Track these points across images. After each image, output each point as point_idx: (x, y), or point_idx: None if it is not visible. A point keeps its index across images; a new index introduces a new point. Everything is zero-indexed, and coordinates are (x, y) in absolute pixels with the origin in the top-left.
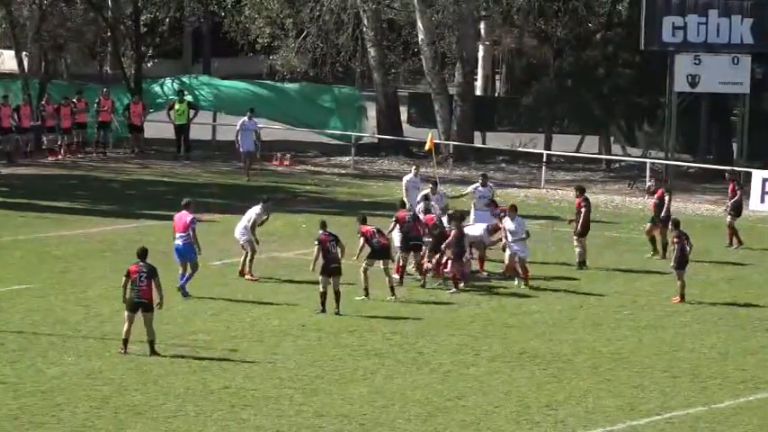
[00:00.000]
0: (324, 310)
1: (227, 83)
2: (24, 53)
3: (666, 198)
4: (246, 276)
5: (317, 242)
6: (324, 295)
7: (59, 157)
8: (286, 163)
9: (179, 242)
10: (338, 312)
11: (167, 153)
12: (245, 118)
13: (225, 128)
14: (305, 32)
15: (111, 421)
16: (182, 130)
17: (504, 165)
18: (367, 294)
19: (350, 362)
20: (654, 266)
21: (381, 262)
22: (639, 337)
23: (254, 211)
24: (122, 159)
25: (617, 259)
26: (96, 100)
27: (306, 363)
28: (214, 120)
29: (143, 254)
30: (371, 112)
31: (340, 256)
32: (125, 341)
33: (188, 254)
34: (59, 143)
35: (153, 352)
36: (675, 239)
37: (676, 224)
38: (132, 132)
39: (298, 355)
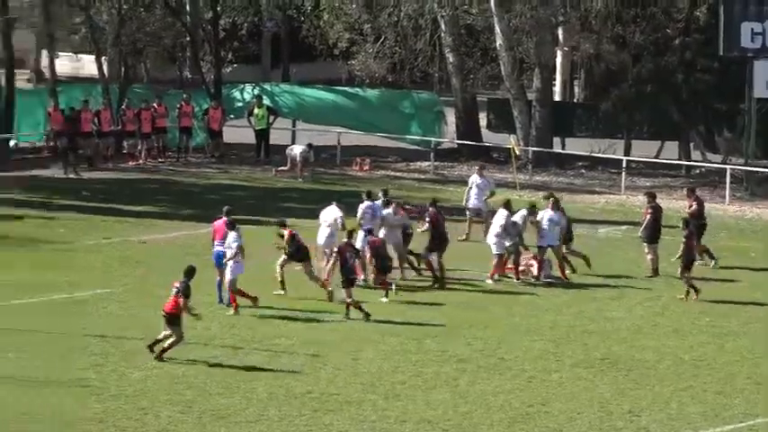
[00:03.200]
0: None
1: (308, 90)
2: (104, 58)
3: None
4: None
5: (336, 250)
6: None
7: (140, 161)
8: (366, 168)
9: (220, 249)
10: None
11: (247, 158)
12: None
13: (305, 134)
14: (383, 37)
15: (194, 425)
16: (262, 134)
17: (583, 171)
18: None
19: (432, 367)
20: (731, 275)
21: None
22: (721, 343)
23: (336, 213)
24: (202, 164)
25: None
26: (177, 105)
27: (388, 368)
28: (293, 124)
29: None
30: (450, 117)
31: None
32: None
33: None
34: (139, 148)
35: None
36: (650, 211)
37: (652, 196)
38: (211, 137)
39: (380, 361)
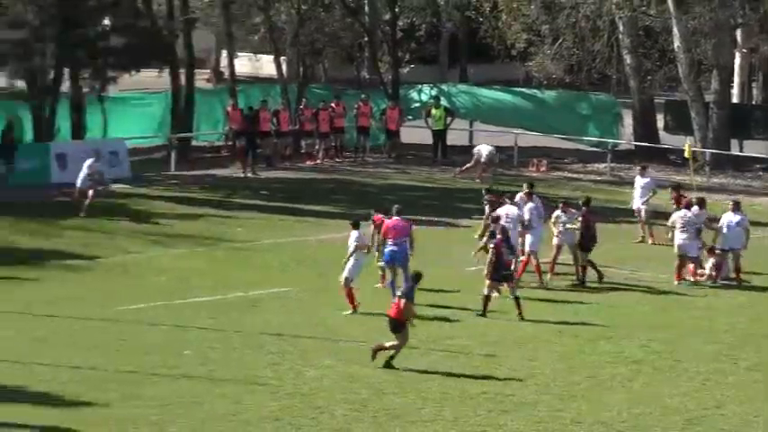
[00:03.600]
0: (485, 314)
1: (485, 91)
2: (283, 58)
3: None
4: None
5: (492, 246)
6: (487, 299)
7: (317, 161)
8: (543, 169)
9: (394, 248)
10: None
11: (424, 158)
12: None
13: (482, 134)
14: (561, 39)
15: (369, 424)
16: (439, 135)
17: (761, 173)
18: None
19: (608, 369)
20: None
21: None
22: None
23: (515, 211)
24: (379, 164)
25: None
26: (355, 105)
27: (563, 369)
28: (470, 125)
29: None
30: (628, 119)
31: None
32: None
33: (402, 260)
34: (317, 147)
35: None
36: (581, 218)
37: (586, 202)
38: (389, 137)
39: (555, 362)
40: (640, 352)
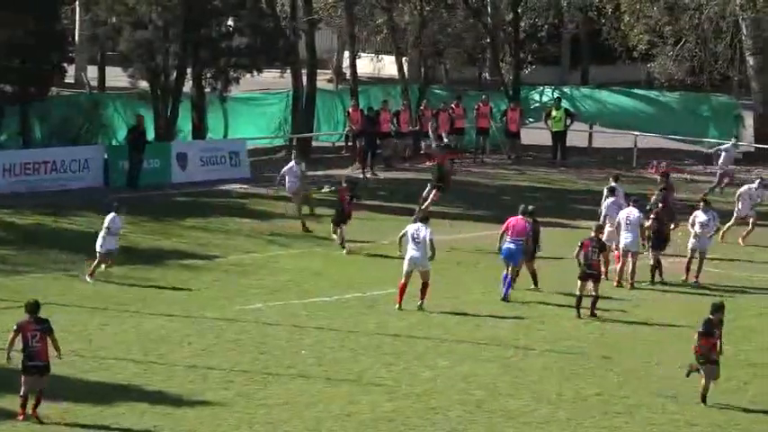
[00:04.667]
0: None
1: (605, 94)
2: (404, 59)
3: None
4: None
5: (579, 245)
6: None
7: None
8: (662, 170)
9: (511, 246)
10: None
11: (543, 159)
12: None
13: (601, 136)
14: (683, 40)
15: (483, 425)
16: (558, 136)
17: None
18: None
19: (723, 372)
20: None
21: None
22: None
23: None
24: (499, 165)
25: None
26: (475, 106)
27: (679, 371)
28: (590, 127)
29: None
30: (749, 120)
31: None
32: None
33: (516, 257)
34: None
35: None
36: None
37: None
38: (509, 138)
39: (671, 363)
40: (758, 356)
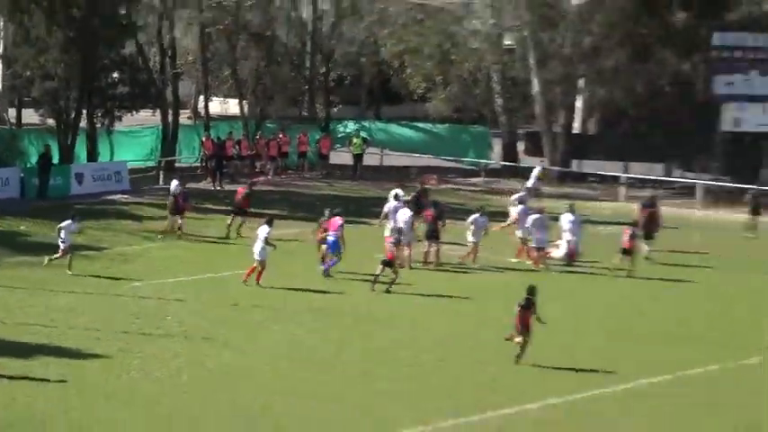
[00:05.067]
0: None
1: (394, 127)
2: (245, 101)
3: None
4: None
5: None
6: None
7: (268, 177)
8: (433, 181)
9: (331, 238)
10: None
11: (346, 175)
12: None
13: (390, 157)
14: (450, 86)
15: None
16: (358, 158)
17: (594, 184)
18: None
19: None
20: None
21: None
22: None
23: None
24: (314, 179)
25: None
26: (297, 135)
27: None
28: (381, 151)
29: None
30: (497, 146)
31: None
32: None
33: (334, 247)
34: (268, 167)
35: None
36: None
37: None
38: (321, 159)
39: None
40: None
